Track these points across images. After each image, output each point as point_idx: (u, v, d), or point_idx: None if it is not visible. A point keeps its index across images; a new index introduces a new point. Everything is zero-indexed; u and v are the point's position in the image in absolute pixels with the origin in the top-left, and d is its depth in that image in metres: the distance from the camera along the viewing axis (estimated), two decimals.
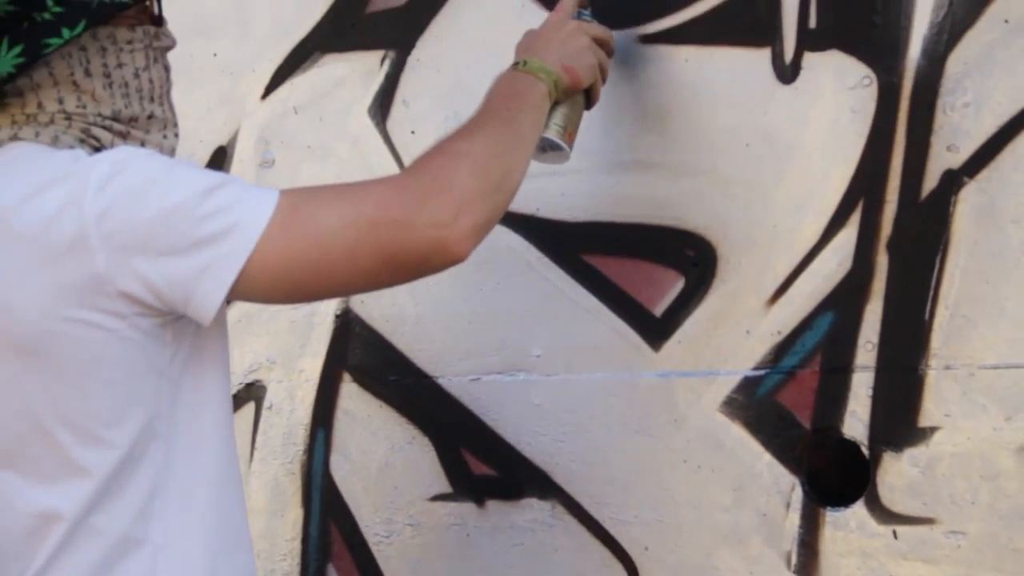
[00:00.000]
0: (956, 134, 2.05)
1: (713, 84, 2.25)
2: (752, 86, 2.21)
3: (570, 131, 2.07)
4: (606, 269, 2.37)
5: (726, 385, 2.26)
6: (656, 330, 2.33)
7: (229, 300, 1.67)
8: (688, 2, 2.26)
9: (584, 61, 2.03)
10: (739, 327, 2.25)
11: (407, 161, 2.52)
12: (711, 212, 2.26)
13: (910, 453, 2.10)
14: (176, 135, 1.84)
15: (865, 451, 2.14)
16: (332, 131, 2.60)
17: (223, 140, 2.66)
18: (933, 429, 2.08)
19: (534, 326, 2.43)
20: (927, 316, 2.08)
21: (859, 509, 2.14)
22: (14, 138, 1.71)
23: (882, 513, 2.12)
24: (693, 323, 2.29)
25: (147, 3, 1.78)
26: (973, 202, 2.04)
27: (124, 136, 1.75)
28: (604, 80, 2.11)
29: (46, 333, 1.62)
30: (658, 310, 2.33)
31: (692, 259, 2.28)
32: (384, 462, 2.61)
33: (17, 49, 1.66)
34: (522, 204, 2.41)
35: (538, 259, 2.43)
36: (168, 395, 1.70)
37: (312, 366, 2.65)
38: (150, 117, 1.77)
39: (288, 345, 2.68)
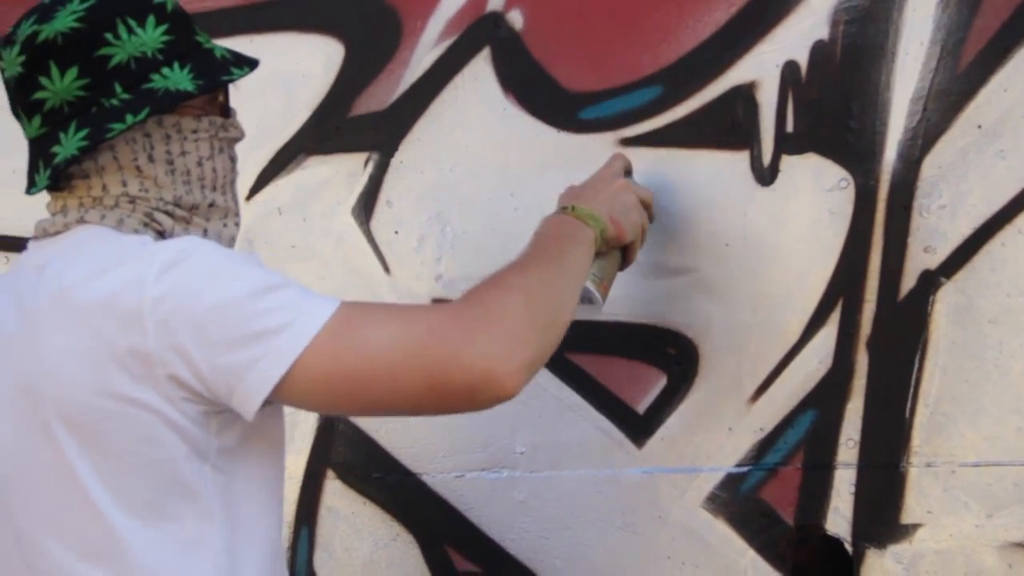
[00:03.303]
0: (933, 235, 2.10)
1: (693, 186, 2.29)
2: (732, 188, 2.26)
3: (605, 284, 2.03)
4: (589, 367, 2.40)
5: (709, 481, 2.28)
6: (639, 427, 2.35)
7: (270, 400, 1.65)
8: (668, 106, 2.31)
9: (630, 217, 2.02)
10: (721, 424, 2.27)
11: (390, 260, 2.55)
12: (693, 311, 2.29)
13: (893, 550, 2.12)
14: (237, 224, 1.87)
15: (849, 548, 2.16)
16: (316, 231, 2.63)
17: None
18: (916, 526, 2.10)
19: (518, 423, 2.45)
20: (908, 414, 2.11)
21: None
22: (80, 220, 1.76)
23: None
24: (676, 420, 2.31)
25: (215, 95, 1.83)
26: (951, 302, 2.08)
27: (186, 222, 1.78)
28: (642, 243, 2.09)
29: (96, 410, 1.64)
30: (641, 407, 2.35)
31: (674, 357, 2.31)
32: (368, 559, 2.61)
33: (82, 132, 1.70)
34: None
35: None
36: (216, 483, 1.70)
37: (296, 464, 2.65)
38: (211, 205, 1.80)
39: None
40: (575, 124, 2.39)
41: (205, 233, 1.80)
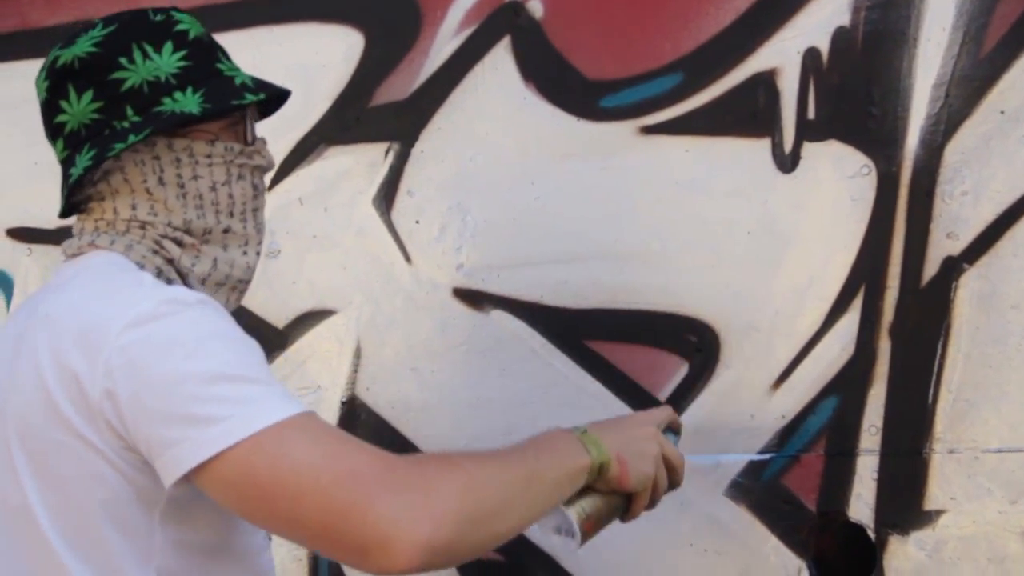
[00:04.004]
0: (955, 222, 2.09)
1: (714, 173, 2.29)
2: (752, 175, 2.26)
3: (591, 522, 1.80)
4: (610, 355, 2.40)
5: (731, 469, 2.29)
6: None
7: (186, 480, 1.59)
8: (689, 93, 2.31)
9: (642, 466, 1.81)
10: (743, 411, 2.27)
11: (411, 250, 2.56)
12: (714, 299, 2.29)
13: (916, 536, 2.12)
14: (258, 253, 1.85)
15: (871, 534, 2.16)
16: (337, 221, 2.64)
17: None
18: (939, 512, 2.10)
19: (539, 411, 2.45)
20: (930, 400, 2.11)
21: None
22: (92, 244, 1.76)
23: None
24: (698, 408, 2.32)
25: (235, 121, 1.81)
26: (974, 288, 2.08)
27: (196, 250, 1.77)
28: (653, 503, 1.87)
29: (46, 437, 1.63)
30: (662, 395, 2.35)
31: (695, 345, 2.32)
32: None
33: (91, 153, 1.71)
34: (526, 291, 2.44)
35: (542, 345, 2.45)
36: (166, 536, 1.66)
37: None
38: (226, 231, 1.79)
39: None
40: (595, 112, 2.40)
41: (215, 263, 1.78)
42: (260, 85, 1.80)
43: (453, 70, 2.52)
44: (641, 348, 2.37)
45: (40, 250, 2.90)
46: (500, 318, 2.48)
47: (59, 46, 1.78)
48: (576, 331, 2.43)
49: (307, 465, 1.52)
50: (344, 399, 2.64)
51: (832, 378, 2.20)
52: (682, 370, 2.33)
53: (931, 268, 2.12)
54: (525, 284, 2.46)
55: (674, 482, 1.87)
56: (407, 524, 1.48)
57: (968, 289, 2.09)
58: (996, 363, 2.06)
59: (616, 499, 1.82)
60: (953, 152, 2.10)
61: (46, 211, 2.82)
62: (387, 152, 2.59)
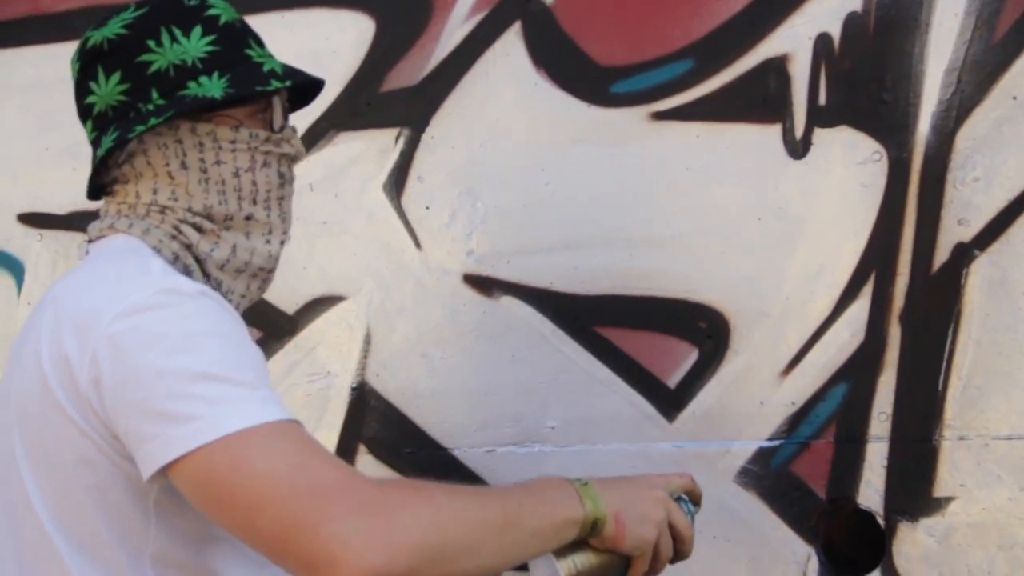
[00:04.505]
0: (966, 208, 2.09)
1: (724, 160, 2.29)
2: (763, 161, 2.25)
3: None
4: (620, 341, 2.40)
5: (740, 455, 2.29)
6: (670, 401, 2.35)
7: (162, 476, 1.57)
8: (700, 79, 2.31)
9: (642, 528, 1.68)
10: (753, 398, 2.27)
11: (422, 236, 2.56)
12: (724, 285, 2.29)
13: (926, 523, 2.12)
14: (282, 242, 1.83)
15: (881, 521, 2.16)
16: (348, 207, 2.64)
17: None
18: (948, 499, 2.10)
19: (549, 398, 2.46)
20: (940, 387, 2.11)
21: None
22: (111, 227, 1.76)
23: None
24: (707, 394, 2.32)
25: (261, 108, 1.79)
26: (985, 274, 2.08)
27: (216, 236, 1.76)
28: (654, 570, 1.73)
29: (41, 419, 1.63)
30: (672, 381, 2.35)
31: (705, 331, 2.31)
32: None
33: (115, 134, 1.72)
34: (536, 277, 2.44)
35: (552, 332, 2.45)
36: (161, 520, 1.65)
37: (328, 438, 2.67)
38: (248, 218, 1.77)
39: (304, 417, 2.67)
40: (606, 98, 2.40)
41: (234, 249, 1.77)
42: (289, 73, 1.79)
43: (464, 56, 2.52)
44: (651, 334, 2.37)
45: (51, 235, 2.90)
46: (510, 304, 2.48)
47: (92, 27, 1.78)
48: (586, 317, 2.43)
49: (268, 474, 1.49)
50: (354, 385, 2.65)
51: (842, 365, 2.20)
52: (692, 356, 2.33)
53: (942, 254, 2.11)
54: (535, 270, 2.46)
55: (680, 552, 1.76)
56: (359, 547, 1.43)
57: (979, 275, 2.08)
58: (1007, 350, 2.06)
59: (614, 559, 1.71)
60: (965, 138, 2.09)
61: (57, 196, 2.84)
62: (397, 138, 2.59)
